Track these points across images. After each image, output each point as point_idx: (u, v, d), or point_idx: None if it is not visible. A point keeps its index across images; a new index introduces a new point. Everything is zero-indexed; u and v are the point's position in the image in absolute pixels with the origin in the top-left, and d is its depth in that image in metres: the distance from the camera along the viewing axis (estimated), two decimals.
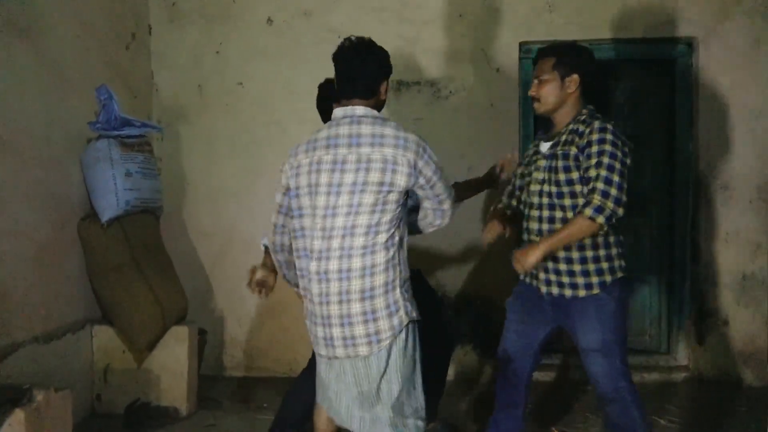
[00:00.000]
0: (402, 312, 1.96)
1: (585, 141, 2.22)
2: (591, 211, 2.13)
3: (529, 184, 2.42)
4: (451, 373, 3.85)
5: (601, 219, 2.13)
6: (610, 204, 2.13)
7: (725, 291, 3.78)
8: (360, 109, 2.03)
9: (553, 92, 2.31)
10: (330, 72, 3.73)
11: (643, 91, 4.13)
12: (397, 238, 1.98)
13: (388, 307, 1.94)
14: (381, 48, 2.12)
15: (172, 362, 3.23)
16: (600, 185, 2.14)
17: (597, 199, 2.13)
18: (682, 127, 3.85)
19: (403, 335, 1.97)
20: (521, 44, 3.82)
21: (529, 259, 2.18)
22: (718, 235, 3.78)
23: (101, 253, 3.10)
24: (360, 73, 2.05)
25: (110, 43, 3.52)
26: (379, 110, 2.11)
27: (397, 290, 1.96)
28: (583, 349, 2.31)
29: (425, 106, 3.87)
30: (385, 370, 1.96)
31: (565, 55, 2.31)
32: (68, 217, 3.08)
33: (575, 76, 2.29)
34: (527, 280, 2.45)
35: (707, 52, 3.75)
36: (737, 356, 3.76)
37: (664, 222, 3.98)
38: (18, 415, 2.01)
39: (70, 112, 3.11)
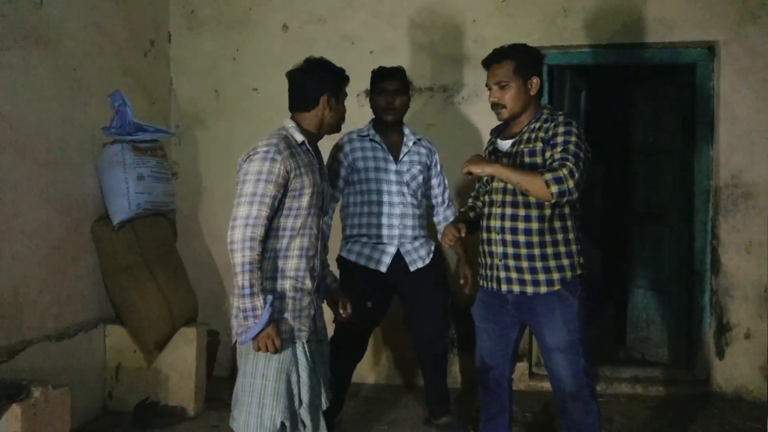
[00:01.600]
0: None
1: (550, 134, 2.22)
2: (551, 176, 2.10)
3: (489, 182, 2.39)
4: (459, 381, 3.86)
5: (555, 189, 2.09)
6: (570, 182, 2.10)
7: (746, 304, 3.66)
8: (285, 122, 2.21)
9: (518, 97, 2.29)
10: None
11: (662, 97, 4.05)
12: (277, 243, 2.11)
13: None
14: (328, 66, 2.25)
15: (181, 362, 3.29)
16: (568, 163, 2.12)
17: (562, 171, 2.10)
18: (701, 135, 3.74)
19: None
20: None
21: (483, 164, 2.22)
22: (740, 246, 3.66)
23: (113, 255, 3.18)
24: (295, 88, 2.22)
25: (129, 50, 3.62)
26: (329, 122, 2.24)
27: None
28: (548, 348, 2.31)
29: (437, 112, 3.86)
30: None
31: (524, 59, 2.29)
32: (82, 218, 3.18)
33: (536, 79, 2.29)
34: (486, 284, 2.41)
35: (729, 56, 3.64)
36: (758, 371, 3.63)
37: (684, 232, 3.87)
38: (14, 411, 2.07)
39: (87, 117, 3.21)
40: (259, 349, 2.02)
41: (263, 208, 2.02)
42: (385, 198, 2.89)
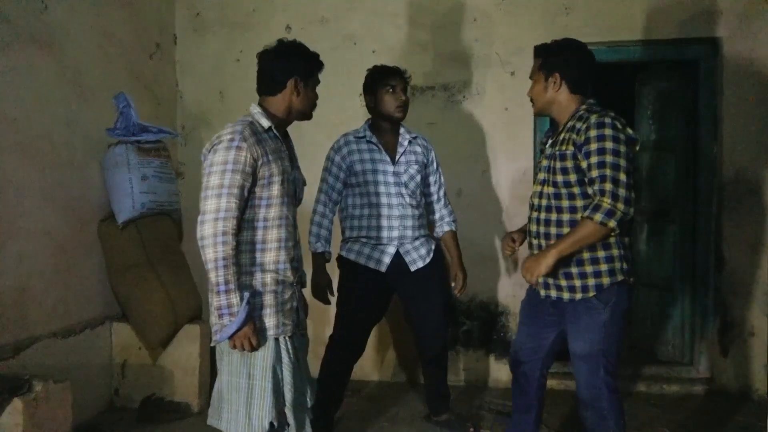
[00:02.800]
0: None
1: (583, 138, 2.14)
2: (601, 215, 2.06)
3: (535, 184, 2.42)
4: (462, 378, 3.87)
5: (612, 223, 2.07)
6: (620, 206, 2.06)
7: (751, 301, 3.63)
8: (252, 107, 2.12)
9: (541, 92, 2.32)
10: (344, 78, 3.85)
11: (666, 93, 4.02)
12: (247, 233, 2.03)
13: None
14: (299, 49, 2.15)
15: (185, 359, 3.34)
16: (607, 186, 2.07)
17: (606, 202, 2.07)
18: (706, 131, 3.71)
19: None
20: (536, 48, 3.76)
21: (538, 268, 2.15)
22: (745, 243, 3.63)
23: (118, 253, 3.25)
24: (262, 70, 2.13)
25: (134, 52, 3.69)
26: (298, 108, 2.14)
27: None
28: (571, 353, 2.30)
29: (439, 111, 3.87)
30: None
31: (548, 55, 2.31)
32: (88, 218, 3.24)
33: (556, 75, 2.27)
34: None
35: (732, 52, 3.61)
36: (763, 369, 3.60)
37: (688, 229, 3.85)
38: (16, 405, 2.13)
39: (92, 118, 3.27)
40: (235, 347, 1.96)
41: (232, 200, 1.92)
42: (384, 200, 2.90)
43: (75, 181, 3.16)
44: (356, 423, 3.27)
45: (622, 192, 2.07)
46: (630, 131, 2.17)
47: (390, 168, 2.93)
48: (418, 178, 2.99)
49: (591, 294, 2.20)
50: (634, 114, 4.35)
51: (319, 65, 2.19)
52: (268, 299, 2.04)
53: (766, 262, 3.59)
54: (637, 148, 2.21)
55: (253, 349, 1.98)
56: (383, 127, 2.97)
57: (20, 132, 2.80)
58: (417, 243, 2.96)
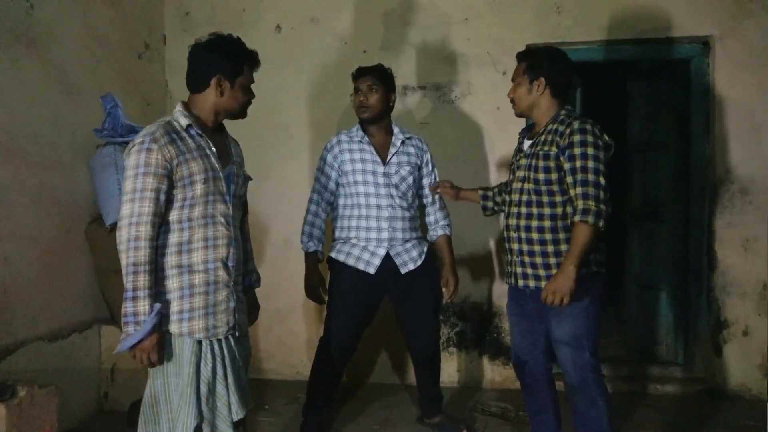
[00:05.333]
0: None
1: (566, 142, 2.28)
2: (593, 218, 2.20)
3: (512, 181, 2.51)
4: (456, 380, 3.85)
5: (591, 219, 2.20)
6: (603, 207, 2.21)
7: (744, 300, 3.62)
8: (177, 105, 2.04)
9: (524, 95, 2.45)
10: (335, 78, 3.83)
11: (657, 93, 4.02)
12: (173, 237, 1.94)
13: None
14: (227, 45, 2.03)
15: None
16: (590, 190, 2.23)
17: (591, 204, 2.21)
18: (697, 130, 3.71)
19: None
20: (528, 47, 3.74)
21: (563, 288, 2.19)
22: (737, 243, 3.62)
23: (105, 256, 3.20)
24: (189, 66, 2.05)
25: (123, 52, 3.65)
26: (225, 107, 2.04)
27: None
28: (555, 340, 2.39)
29: (431, 111, 3.85)
30: None
31: (533, 60, 2.42)
32: (75, 220, 3.20)
33: (541, 80, 2.39)
34: (508, 280, 2.53)
35: (724, 51, 3.60)
36: (756, 369, 3.59)
37: (679, 229, 3.84)
38: None
39: (79, 119, 3.23)
40: (134, 358, 1.85)
41: (146, 204, 1.84)
42: (373, 201, 2.87)
43: (62, 182, 3.12)
44: (348, 425, 3.25)
45: (602, 194, 2.23)
46: (606, 138, 2.32)
47: (380, 169, 2.89)
48: (410, 179, 2.95)
49: None
50: (625, 113, 4.35)
51: (251, 63, 2.08)
52: (197, 301, 1.94)
53: (758, 262, 3.58)
54: (611, 153, 2.34)
55: (153, 365, 1.87)
56: (372, 128, 2.94)
57: (6, 133, 2.76)
58: (408, 245, 2.93)
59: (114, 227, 3.17)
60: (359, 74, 2.91)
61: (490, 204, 2.84)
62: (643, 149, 4.16)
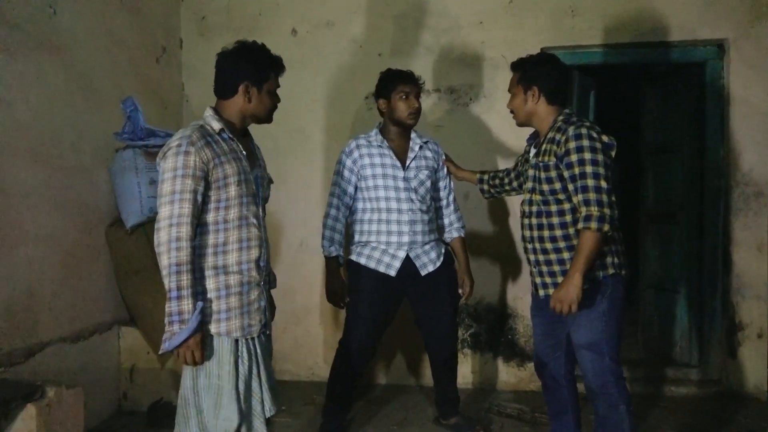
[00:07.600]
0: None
1: (563, 150, 2.27)
2: (596, 223, 2.19)
3: (523, 191, 2.55)
4: (470, 381, 3.87)
5: (606, 227, 2.20)
6: (607, 210, 2.20)
7: (759, 302, 3.63)
8: (206, 109, 2.08)
9: (521, 105, 2.45)
10: (350, 81, 3.86)
11: (672, 96, 4.03)
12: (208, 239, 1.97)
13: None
14: (253, 53, 2.07)
15: None
16: (591, 196, 2.21)
17: (594, 210, 2.20)
18: (712, 133, 3.72)
19: None
20: (543, 50, 3.77)
21: (568, 296, 2.20)
22: (752, 245, 3.63)
23: (125, 258, 3.24)
24: (216, 73, 2.09)
25: (141, 56, 3.69)
26: (252, 113, 2.09)
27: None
28: (575, 344, 2.40)
29: (446, 114, 3.88)
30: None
31: (525, 69, 2.42)
32: (96, 223, 3.24)
33: (534, 88, 2.39)
34: (532, 288, 2.54)
35: (739, 54, 3.62)
36: None
37: (694, 231, 3.85)
38: (29, 410, 2.12)
39: (100, 123, 3.27)
40: (178, 357, 1.88)
41: (185, 205, 1.87)
42: (394, 205, 2.90)
43: (83, 185, 3.16)
44: (365, 427, 3.27)
45: (605, 198, 2.20)
46: (606, 138, 2.30)
47: (400, 173, 2.92)
48: (428, 183, 2.98)
49: (585, 286, 2.27)
50: (640, 115, 4.36)
51: (276, 69, 2.12)
52: (233, 301, 1.99)
53: None
54: (614, 152, 2.32)
55: (196, 364, 1.90)
56: (394, 132, 2.96)
57: (29, 136, 2.80)
58: (427, 247, 2.95)
59: (134, 230, 3.24)
60: (409, 79, 2.90)
61: (485, 187, 2.97)
62: (657, 151, 4.18)
